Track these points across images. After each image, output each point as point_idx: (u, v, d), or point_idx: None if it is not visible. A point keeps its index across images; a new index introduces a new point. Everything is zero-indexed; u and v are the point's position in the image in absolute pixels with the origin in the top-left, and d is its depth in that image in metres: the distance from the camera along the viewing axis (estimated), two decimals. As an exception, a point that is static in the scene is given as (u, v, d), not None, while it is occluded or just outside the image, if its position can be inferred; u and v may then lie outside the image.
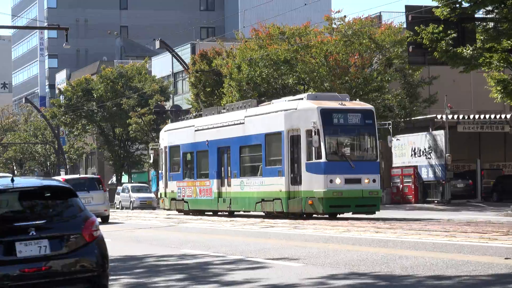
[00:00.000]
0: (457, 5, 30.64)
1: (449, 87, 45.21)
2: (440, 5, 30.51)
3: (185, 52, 57.05)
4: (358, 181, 23.37)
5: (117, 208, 49.86)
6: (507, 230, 18.78)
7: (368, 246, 16.54)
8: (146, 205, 47.74)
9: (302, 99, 25.37)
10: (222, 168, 29.15)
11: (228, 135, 28.42)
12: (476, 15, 31.99)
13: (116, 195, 53.89)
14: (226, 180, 28.75)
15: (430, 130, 45.45)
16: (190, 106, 52.75)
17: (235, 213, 30.64)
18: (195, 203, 31.07)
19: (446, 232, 19.06)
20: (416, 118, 44.02)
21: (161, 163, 34.74)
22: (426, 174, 44.12)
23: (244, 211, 29.64)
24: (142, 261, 15.12)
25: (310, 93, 27.72)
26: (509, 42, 30.08)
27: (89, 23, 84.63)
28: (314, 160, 23.25)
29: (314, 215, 25.46)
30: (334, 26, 43.60)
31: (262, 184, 25.71)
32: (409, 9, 33.53)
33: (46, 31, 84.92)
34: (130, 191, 49.80)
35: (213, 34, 76.55)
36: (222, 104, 43.74)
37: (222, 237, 21.24)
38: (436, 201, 42.46)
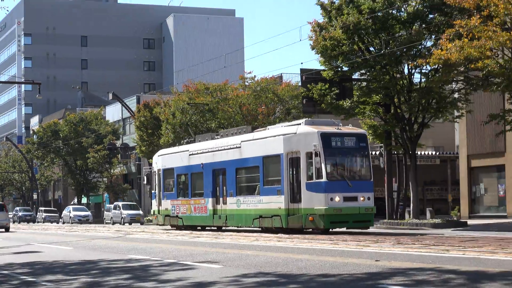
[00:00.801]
0: (339, 69, 30.71)
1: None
2: (326, 68, 30.56)
3: (132, 102, 57.15)
4: (355, 199, 21.03)
5: (107, 223, 47.80)
6: (376, 239, 18.50)
7: (272, 252, 16.13)
8: (135, 220, 44.56)
9: (300, 124, 22.31)
10: (217, 188, 25.65)
11: (224, 158, 25.00)
12: (353, 76, 32.14)
13: (106, 212, 52.01)
14: (221, 199, 25.37)
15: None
16: (136, 144, 52.61)
17: (230, 228, 26.62)
18: (189, 219, 27.56)
19: (331, 241, 18.53)
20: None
21: (154, 184, 30.41)
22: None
23: (238, 227, 25.93)
24: (96, 264, 14.65)
25: (307, 118, 24.56)
26: (377, 97, 30.21)
27: (57, 79, 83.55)
28: (314, 180, 20.42)
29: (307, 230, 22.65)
30: (246, 83, 43.93)
31: (260, 202, 22.67)
32: (303, 71, 33.62)
33: (23, 85, 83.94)
34: (121, 208, 46.64)
35: (154, 89, 77.13)
36: (160, 143, 43.48)
37: (160, 245, 20.41)
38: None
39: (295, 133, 21.31)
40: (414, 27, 28.42)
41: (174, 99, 45.43)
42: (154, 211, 30.24)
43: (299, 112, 38.29)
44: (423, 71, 29.63)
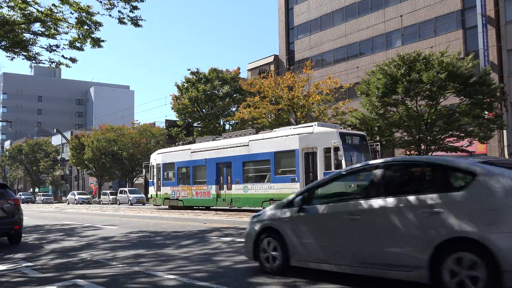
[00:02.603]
0: (186, 120, 39.60)
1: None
2: (179, 120, 40.21)
3: (67, 134, 63.96)
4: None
5: (114, 204, 44.05)
6: (205, 211, 22.13)
7: (148, 219, 17.48)
8: (140, 201, 41.19)
9: (312, 126, 20.05)
10: (221, 177, 23.77)
11: (229, 154, 23.11)
12: (194, 125, 40.54)
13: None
14: (225, 186, 23.44)
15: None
16: (69, 158, 57.93)
17: (235, 208, 23.62)
18: (190, 201, 25.64)
19: (182, 212, 20.66)
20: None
21: (152, 175, 28.68)
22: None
23: (238, 208, 23.54)
24: (42, 227, 15.13)
25: (318, 122, 22.08)
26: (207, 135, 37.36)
27: (23, 119, 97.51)
28: (333, 170, 18.11)
29: None
30: (135, 126, 51.84)
31: (271, 188, 20.59)
32: (167, 121, 42.08)
33: (1, 122, 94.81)
34: (128, 193, 42.96)
35: (81, 127, 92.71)
36: (84, 158, 50.63)
37: (84, 216, 21.25)
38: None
39: (312, 133, 19.55)
40: (226, 100, 39.25)
41: (93, 133, 53.82)
42: (152, 195, 28.79)
43: (164, 143, 45.85)
44: (230, 123, 40.06)
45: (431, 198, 4.78)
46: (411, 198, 4.92)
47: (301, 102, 32.91)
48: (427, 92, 26.07)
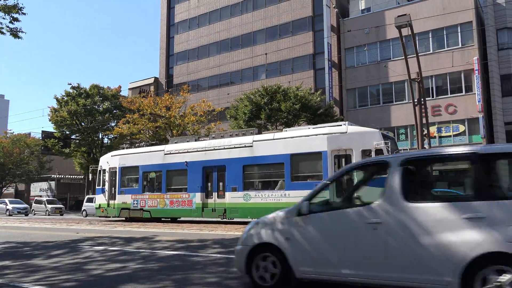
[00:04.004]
0: (64, 132, 37.58)
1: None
2: (56, 131, 37.73)
3: None
4: None
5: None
6: (79, 222, 19.90)
7: (15, 229, 15.65)
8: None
9: (341, 125, 16.10)
10: (209, 183, 18.51)
11: (223, 156, 18.05)
12: (72, 137, 38.46)
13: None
14: (215, 193, 18.23)
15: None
16: None
17: (233, 220, 18.79)
18: (161, 212, 19.80)
19: (53, 222, 19.63)
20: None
21: (101, 181, 22.25)
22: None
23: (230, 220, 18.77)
24: None
25: (346, 121, 17.34)
26: (84, 148, 37.34)
27: None
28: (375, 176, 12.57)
29: None
30: (7, 136, 47.21)
31: (285, 196, 16.10)
32: (43, 132, 39.16)
33: None
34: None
35: None
36: None
37: None
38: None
39: (345, 132, 15.57)
40: (106, 115, 37.97)
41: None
42: (101, 204, 22.36)
43: (39, 154, 44.14)
44: (109, 137, 38.78)
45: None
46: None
47: (178, 122, 32.93)
48: (284, 119, 27.69)
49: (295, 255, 4.90)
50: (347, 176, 5.42)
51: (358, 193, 5.09)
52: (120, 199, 21.47)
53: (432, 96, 30.23)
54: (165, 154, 20.06)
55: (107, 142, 39.37)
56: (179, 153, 19.62)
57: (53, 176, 46.39)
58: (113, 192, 21.91)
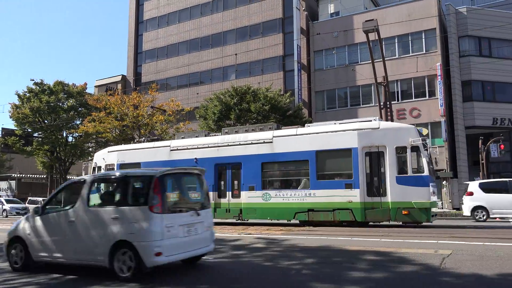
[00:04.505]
0: (26, 130, 36.22)
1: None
2: (18, 129, 36.36)
3: None
4: (435, 192, 14.31)
5: None
6: None
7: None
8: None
9: (372, 120, 15.01)
10: (222, 182, 17.06)
11: (239, 153, 16.56)
12: (34, 135, 37.22)
13: None
14: (229, 192, 16.73)
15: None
16: None
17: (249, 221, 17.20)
18: None
19: None
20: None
21: None
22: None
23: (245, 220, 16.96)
24: None
25: (376, 117, 16.33)
26: (47, 146, 35.98)
27: None
28: (411, 174, 13.71)
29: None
30: None
31: (309, 196, 14.80)
32: (4, 129, 38.49)
33: None
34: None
35: None
36: None
37: None
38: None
39: (378, 128, 14.45)
40: (70, 113, 36.56)
41: None
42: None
43: None
44: (74, 136, 37.67)
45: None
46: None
47: (145, 121, 32.44)
48: (254, 120, 27.79)
49: (32, 244, 7.03)
50: (68, 188, 7.26)
51: (69, 199, 7.09)
52: None
53: (398, 100, 31.09)
54: (171, 150, 18.21)
55: (72, 141, 38.23)
56: (187, 149, 17.82)
57: (13, 175, 44.83)
58: None
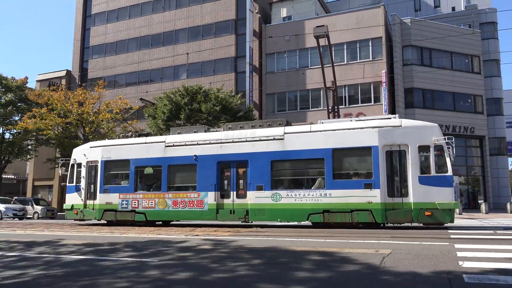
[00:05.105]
0: None
1: None
2: None
3: None
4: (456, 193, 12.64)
5: None
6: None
7: None
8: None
9: (392, 118, 14.34)
10: (225, 181, 15.76)
11: (245, 150, 15.35)
12: None
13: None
14: (233, 192, 15.50)
15: None
16: None
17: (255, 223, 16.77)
18: (160, 214, 16.45)
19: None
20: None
21: (75, 177, 18.21)
22: None
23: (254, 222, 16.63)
24: None
25: (396, 114, 16.27)
26: None
27: None
28: (434, 174, 13.02)
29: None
30: None
31: (325, 196, 13.91)
32: None
33: None
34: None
35: None
36: None
37: None
38: None
39: (400, 126, 13.77)
40: (8, 108, 34.80)
41: None
42: (73, 205, 18.18)
43: None
44: (11, 132, 35.54)
45: None
46: None
47: (91, 118, 31.36)
48: (204, 121, 27.59)
49: None
50: None
51: None
52: (103, 198, 17.53)
53: (345, 105, 32.11)
54: (167, 146, 16.79)
55: (9, 138, 36.28)
56: (185, 145, 16.45)
57: None
58: (92, 191, 17.98)
